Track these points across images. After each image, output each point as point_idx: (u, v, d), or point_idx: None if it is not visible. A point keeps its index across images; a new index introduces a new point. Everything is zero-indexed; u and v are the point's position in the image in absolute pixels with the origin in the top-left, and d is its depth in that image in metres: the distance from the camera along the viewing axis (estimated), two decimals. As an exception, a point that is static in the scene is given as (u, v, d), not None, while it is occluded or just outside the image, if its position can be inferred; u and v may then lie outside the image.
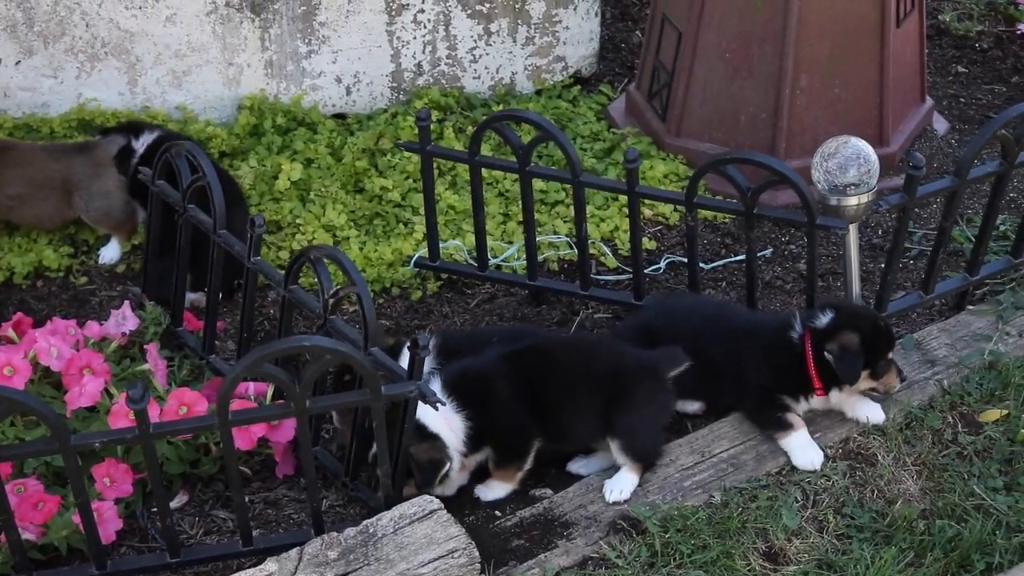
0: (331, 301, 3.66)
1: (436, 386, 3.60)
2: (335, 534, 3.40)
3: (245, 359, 3.24)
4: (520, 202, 4.39)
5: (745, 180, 4.03)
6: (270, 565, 3.34)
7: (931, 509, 3.71)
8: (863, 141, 4.04)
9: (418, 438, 3.57)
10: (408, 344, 3.51)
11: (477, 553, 3.40)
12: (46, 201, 4.63)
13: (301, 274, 4.09)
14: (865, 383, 3.82)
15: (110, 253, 4.75)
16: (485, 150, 5.02)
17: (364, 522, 3.45)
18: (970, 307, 4.36)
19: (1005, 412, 3.98)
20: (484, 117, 4.74)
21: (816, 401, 3.86)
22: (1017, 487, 3.79)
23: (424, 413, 3.56)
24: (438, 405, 3.49)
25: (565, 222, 4.83)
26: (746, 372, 3.88)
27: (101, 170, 4.61)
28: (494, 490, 3.76)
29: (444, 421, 3.62)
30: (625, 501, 3.69)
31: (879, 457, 3.85)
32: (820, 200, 4.05)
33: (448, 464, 3.62)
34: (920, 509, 3.70)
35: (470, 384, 3.69)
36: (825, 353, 3.76)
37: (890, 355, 3.85)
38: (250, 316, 4.01)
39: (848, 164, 4.00)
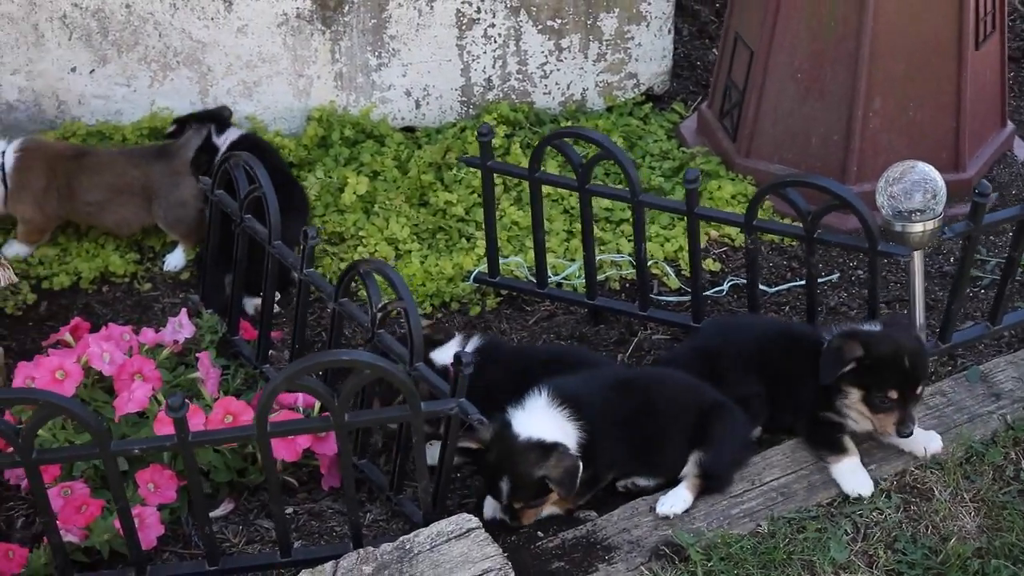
0: (379, 315, 3.65)
1: (556, 405, 3.59)
2: (371, 549, 3.38)
3: (285, 371, 3.23)
4: (601, 219, 4.37)
5: (806, 203, 3.95)
6: (304, 577, 3.33)
7: (987, 548, 3.59)
8: (930, 166, 3.94)
9: (541, 455, 3.51)
10: (451, 361, 3.49)
11: (513, 573, 3.36)
12: (125, 207, 4.70)
13: (359, 287, 4.09)
14: (857, 405, 3.68)
15: (175, 260, 4.79)
16: (552, 167, 5.00)
17: (401, 538, 3.42)
18: (1041, 340, 4.23)
19: (1071, 450, 3.85)
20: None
21: (864, 423, 3.76)
22: (1080, 529, 3.66)
23: (537, 427, 3.53)
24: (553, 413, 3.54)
25: (629, 241, 4.77)
26: (800, 391, 3.80)
27: (179, 179, 4.67)
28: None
29: (559, 428, 3.57)
30: (674, 515, 3.63)
31: (936, 492, 3.74)
32: (884, 226, 3.96)
33: (580, 465, 3.55)
34: (975, 547, 3.58)
35: (587, 408, 3.64)
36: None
37: (899, 395, 3.65)
38: (303, 327, 4.01)
39: (914, 189, 3.91)
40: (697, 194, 4.07)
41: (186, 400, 3.23)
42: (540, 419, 3.55)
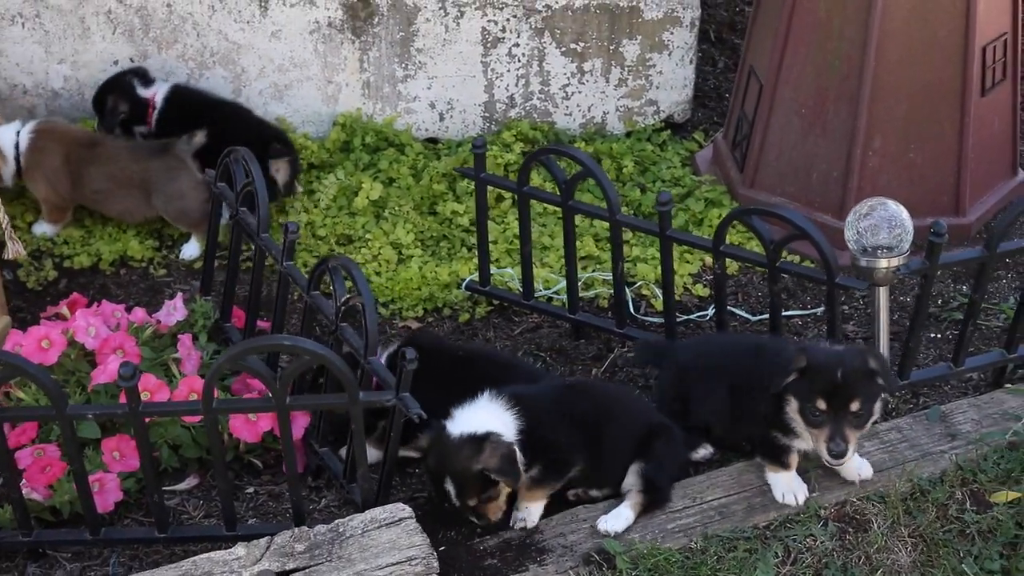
0: (342, 308, 3.81)
1: (496, 400, 3.72)
2: (306, 529, 3.54)
3: (229, 350, 3.41)
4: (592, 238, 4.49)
5: (770, 233, 4.04)
6: (239, 550, 3.50)
7: (917, 583, 3.64)
8: (900, 205, 4.00)
9: (475, 448, 3.61)
10: (398, 355, 3.63)
11: (436, 564, 3.49)
12: (127, 198, 4.94)
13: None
14: (795, 416, 3.67)
15: (190, 250, 5.01)
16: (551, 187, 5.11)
17: (336, 521, 3.57)
18: (1008, 385, 4.23)
19: (1018, 495, 3.86)
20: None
21: (802, 442, 3.79)
22: (1017, 572, 3.68)
23: (472, 423, 3.65)
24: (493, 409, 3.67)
25: (626, 261, 4.87)
26: (758, 403, 3.80)
27: (176, 174, 4.89)
28: (532, 513, 3.77)
29: (496, 419, 3.68)
30: (615, 533, 3.71)
31: (874, 524, 3.79)
32: (852, 260, 4.03)
33: (516, 450, 3.64)
34: (904, 581, 3.63)
35: (529, 401, 3.78)
36: None
37: (827, 407, 3.61)
38: (282, 317, 4.19)
39: (880, 226, 3.97)
40: (670, 216, 4.18)
41: (137, 370, 3.42)
42: (476, 415, 3.68)
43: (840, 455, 3.64)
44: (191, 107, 5.16)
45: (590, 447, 3.82)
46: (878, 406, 3.69)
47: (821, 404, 3.61)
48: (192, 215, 4.94)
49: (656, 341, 4.32)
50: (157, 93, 5.20)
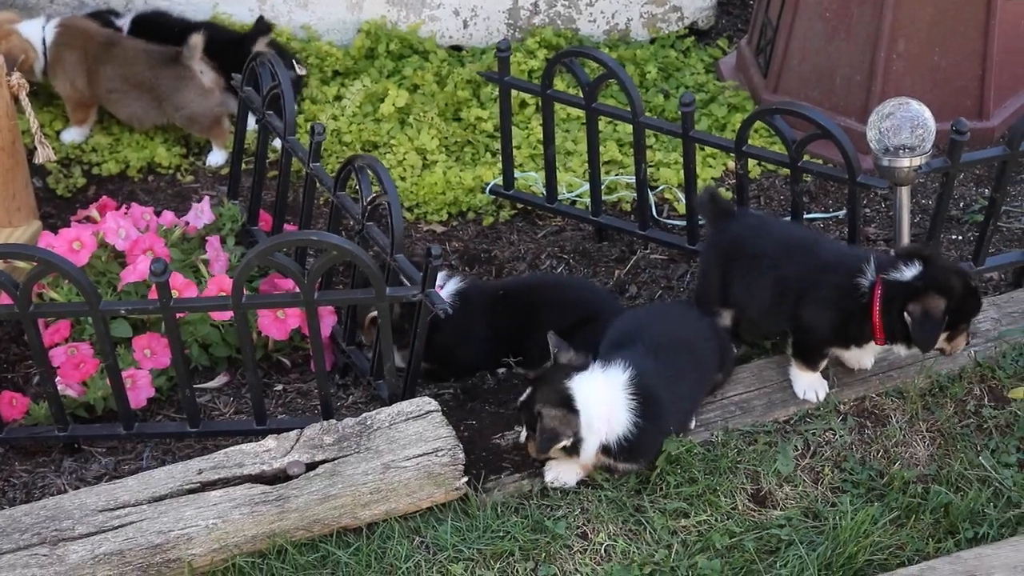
0: (368, 207, 3.86)
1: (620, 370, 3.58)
2: (334, 421, 3.62)
3: (257, 246, 3.47)
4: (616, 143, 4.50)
5: (792, 132, 4.05)
6: (270, 442, 3.58)
7: (934, 475, 3.69)
8: (922, 105, 4.00)
9: (558, 404, 3.52)
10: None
11: (462, 455, 3.56)
12: (137, 102, 4.99)
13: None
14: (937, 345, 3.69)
15: (215, 158, 5.07)
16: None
17: (364, 414, 3.65)
18: (1028, 284, 4.27)
19: (1036, 391, 3.91)
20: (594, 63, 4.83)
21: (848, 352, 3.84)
22: (1033, 465, 3.74)
23: (586, 389, 3.53)
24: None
25: (649, 165, 4.90)
26: (806, 308, 3.78)
27: (183, 83, 4.93)
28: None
29: (606, 409, 3.53)
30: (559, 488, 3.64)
31: (892, 419, 3.84)
32: (873, 159, 4.04)
33: (567, 443, 3.52)
34: (921, 473, 3.68)
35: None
36: (905, 313, 3.61)
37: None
38: (309, 219, 4.24)
39: (902, 126, 3.97)
40: (693, 117, 4.20)
41: (168, 267, 3.49)
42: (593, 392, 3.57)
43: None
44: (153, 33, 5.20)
45: None
46: None
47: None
48: (202, 121, 4.98)
49: (724, 200, 4.11)
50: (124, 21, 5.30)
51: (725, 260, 3.95)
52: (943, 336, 3.69)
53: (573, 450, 3.54)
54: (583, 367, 3.56)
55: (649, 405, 3.56)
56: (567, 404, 3.50)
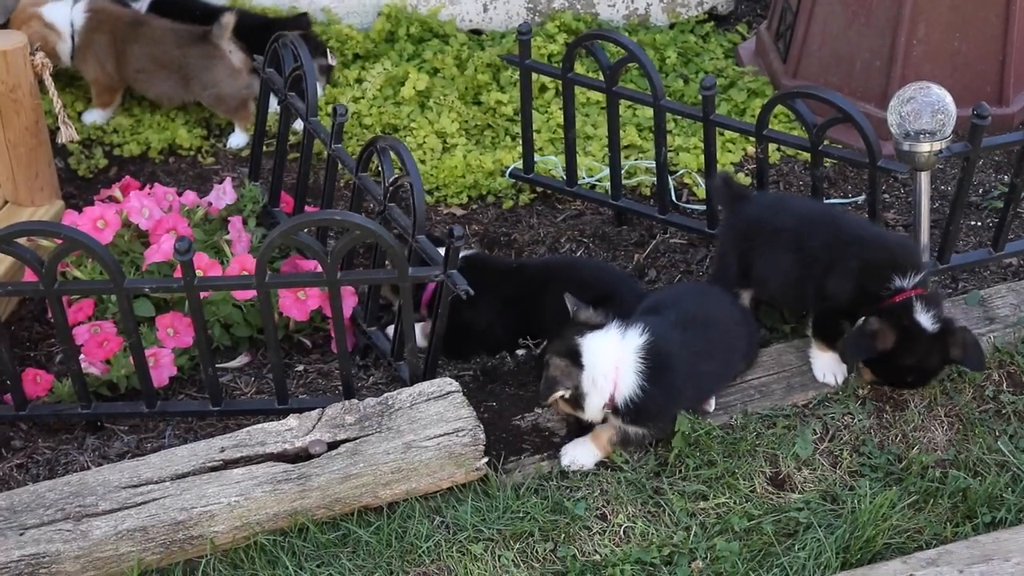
0: (390, 188, 3.88)
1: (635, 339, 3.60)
2: (356, 401, 3.64)
3: (281, 226, 3.49)
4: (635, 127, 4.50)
5: (813, 116, 4.06)
6: (291, 421, 3.60)
7: (952, 460, 3.70)
8: (943, 90, 4.00)
9: (564, 355, 3.57)
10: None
11: (483, 436, 3.58)
12: (166, 81, 5.00)
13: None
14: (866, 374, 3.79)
15: (236, 139, 5.09)
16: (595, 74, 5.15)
17: (385, 394, 3.67)
18: (1048, 271, 4.28)
19: (1055, 377, 3.92)
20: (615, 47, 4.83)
21: None
22: (1052, 451, 3.74)
23: (596, 346, 3.56)
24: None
25: (668, 150, 4.91)
26: (831, 283, 3.79)
27: (212, 62, 4.94)
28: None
29: (612, 368, 3.55)
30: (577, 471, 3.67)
31: (911, 404, 3.85)
32: (894, 144, 4.05)
33: (565, 393, 3.55)
34: (939, 458, 3.70)
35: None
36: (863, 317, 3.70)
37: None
38: (330, 200, 4.26)
39: (923, 110, 3.98)
40: (713, 101, 4.20)
41: (192, 245, 3.51)
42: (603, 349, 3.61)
43: None
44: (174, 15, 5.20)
45: None
46: None
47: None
48: (229, 102, 5.00)
49: (737, 185, 4.15)
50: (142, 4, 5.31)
51: (744, 240, 3.97)
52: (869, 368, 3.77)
53: (577, 404, 3.58)
54: (599, 326, 3.61)
55: (659, 371, 3.58)
56: (573, 357, 3.55)
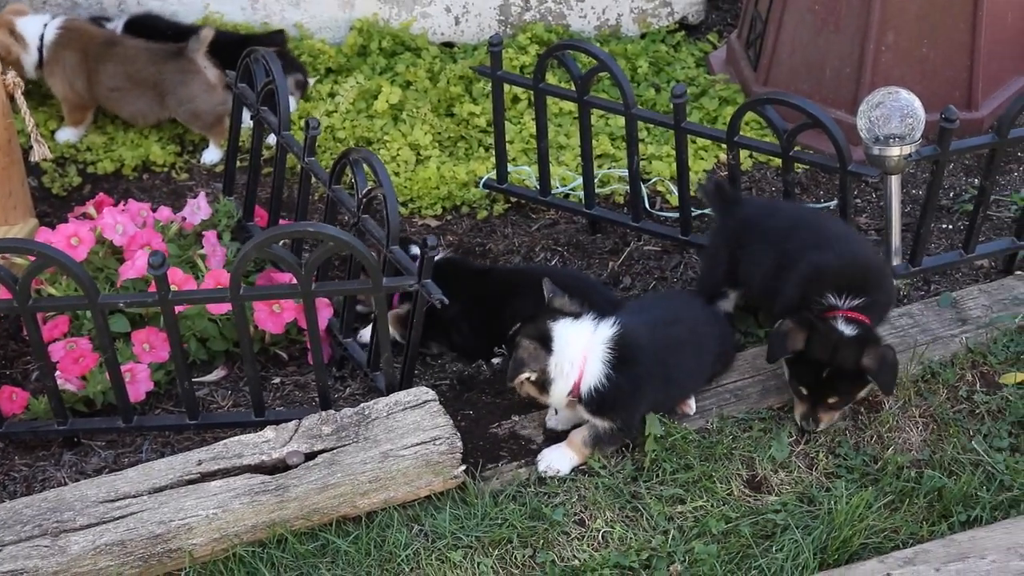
0: (364, 200, 3.89)
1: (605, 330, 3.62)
2: (333, 412, 3.64)
3: (255, 238, 3.50)
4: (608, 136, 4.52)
5: (783, 122, 4.09)
6: (268, 433, 3.60)
7: (927, 460, 3.72)
8: (911, 94, 4.04)
9: (535, 337, 3.59)
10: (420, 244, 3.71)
11: (460, 444, 3.59)
12: (140, 99, 5.01)
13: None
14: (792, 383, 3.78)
15: (210, 155, 5.09)
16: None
17: (362, 404, 3.67)
18: (1018, 272, 4.31)
19: (1027, 376, 3.95)
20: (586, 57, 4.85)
21: None
22: (1024, 449, 3.77)
23: (566, 333, 3.59)
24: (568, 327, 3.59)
25: (641, 158, 4.93)
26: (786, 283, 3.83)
27: (188, 77, 4.95)
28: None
29: (580, 356, 3.58)
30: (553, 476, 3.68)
31: (886, 405, 3.88)
32: (865, 150, 4.08)
33: (532, 376, 3.58)
34: (914, 458, 3.72)
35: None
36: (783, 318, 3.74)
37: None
38: (304, 213, 4.27)
39: (892, 115, 4.02)
40: (684, 108, 4.23)
41: (166, 259, 3.51)
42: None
43: None
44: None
45: None
46: None
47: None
48: (205, 117, 5.00)
49: (729, 189, 4.19)
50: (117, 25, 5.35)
51: (734, 240, 4.02)
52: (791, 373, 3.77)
53: (542, 388, 3.60)
54: (574, 315, 3.64)
55: (626, 363, 3.60)
56: (544, 341, 3.58)
